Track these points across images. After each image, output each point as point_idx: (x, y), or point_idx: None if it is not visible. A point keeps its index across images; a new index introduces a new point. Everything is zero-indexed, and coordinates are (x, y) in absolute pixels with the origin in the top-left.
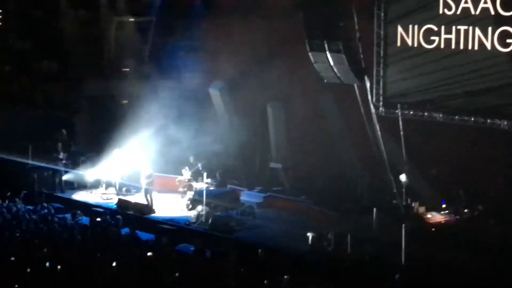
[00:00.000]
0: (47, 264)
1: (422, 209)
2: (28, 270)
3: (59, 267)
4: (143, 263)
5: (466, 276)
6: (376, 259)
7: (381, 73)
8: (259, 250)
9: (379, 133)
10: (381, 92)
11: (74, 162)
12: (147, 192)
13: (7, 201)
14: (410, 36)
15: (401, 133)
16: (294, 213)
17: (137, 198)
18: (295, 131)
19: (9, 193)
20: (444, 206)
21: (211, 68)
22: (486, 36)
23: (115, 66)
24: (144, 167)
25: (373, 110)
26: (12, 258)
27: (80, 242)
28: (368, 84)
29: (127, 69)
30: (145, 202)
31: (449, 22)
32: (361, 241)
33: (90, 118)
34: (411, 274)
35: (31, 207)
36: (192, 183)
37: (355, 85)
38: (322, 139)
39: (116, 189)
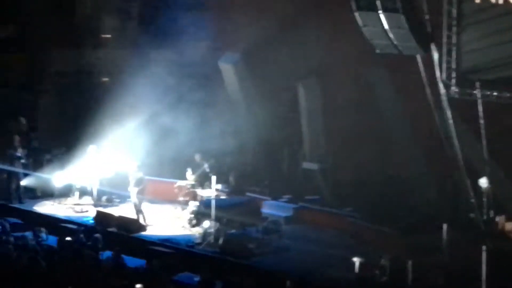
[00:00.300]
0: None
1: (509, 225)
2: None
3: None
4: None
5: None
6: None
7: (454, 40)
8: (287, 282)
9: (450, 121)
10: (453, 66)
11: (37, 162)
12: (136, 202)
13: None
14: None
15: (481, 121)
16: (335, 230)
17: (122, 210)
18: (336, 119)
19: None
20: None
21: (222, 33)
22: None
23: (92, 31)
24: (132, 169)
25: (442, 90)
26: None
27: (45, 270)
28: (435, 55)
29: (108, 36)
30: (133, 216)
31: None
32: (427, 268)
33: (59, 101)
34: None
35: None
36: (196, 190)
37: (418, 57)
38: (372, 130)
39: (93, 199)
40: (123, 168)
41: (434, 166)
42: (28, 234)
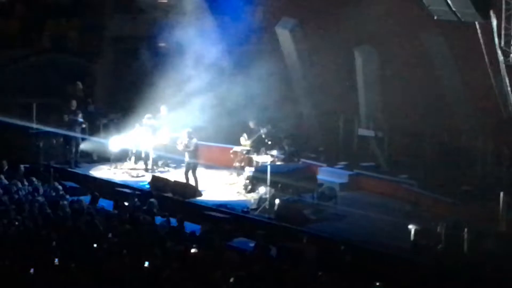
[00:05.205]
0: (56, 261)
1: None
2: (32, 270)
3: (72, 265)
4: (185, 263)
5: None
6: (504, 262)
7: None
8: (342, 248)
9: (509, 88)
10: None
11: (93, 126)
12: (190, 167)
13: (3, 178)
14: None
15: None
16: (391, 197)
17: (178, 175)
18: (393, 85)
19: (6, 168)
20: None
21: None
22: None
23: None
24: (187, 134)
25: (501, 57)
26: (11, 254)
27: (101, 234)
28: (494, 22)
29: (165, 1)
30: (188, 181)
31: None
32: (483, 236)
33: (115, 67)
34: None
35: (35, 187)
36: (252, 156)
37: (477, 24)
38: (429, 96)
39: (149, 163)
40: (179, 133)
41: (491, 134)
42: (85, 198)
